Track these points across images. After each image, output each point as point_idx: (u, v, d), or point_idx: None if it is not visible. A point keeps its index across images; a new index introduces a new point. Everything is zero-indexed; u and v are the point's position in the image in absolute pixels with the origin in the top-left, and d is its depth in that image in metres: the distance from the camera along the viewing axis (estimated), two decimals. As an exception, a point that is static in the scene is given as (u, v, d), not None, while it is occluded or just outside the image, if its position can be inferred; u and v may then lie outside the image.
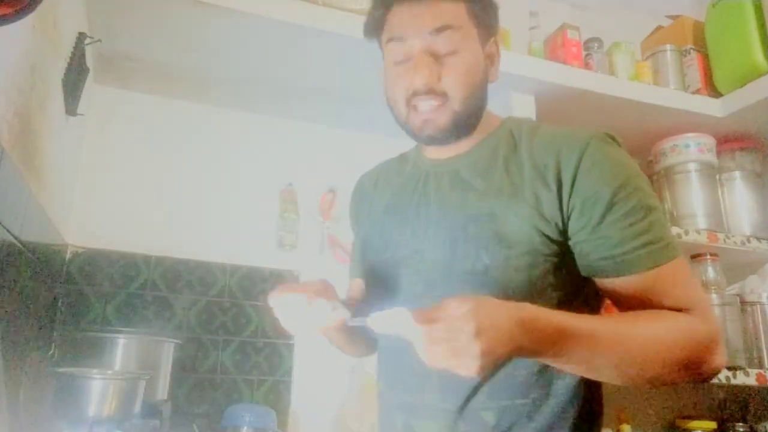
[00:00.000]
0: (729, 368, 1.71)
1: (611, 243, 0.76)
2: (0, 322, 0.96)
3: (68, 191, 1.65)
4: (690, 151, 1.92)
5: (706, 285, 1.86)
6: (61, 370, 1.25)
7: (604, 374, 0.74)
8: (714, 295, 1.82)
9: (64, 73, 1.30)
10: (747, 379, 1.71)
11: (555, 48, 1.90)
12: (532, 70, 1.72)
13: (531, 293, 0.77)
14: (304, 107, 1.95)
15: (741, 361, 1.74)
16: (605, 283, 0.78)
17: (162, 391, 1.52)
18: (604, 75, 1.88)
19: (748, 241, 1.88)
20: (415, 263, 0.86)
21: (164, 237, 1.80)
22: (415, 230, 0.89)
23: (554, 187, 0.79)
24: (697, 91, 1.96)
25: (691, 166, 1.92)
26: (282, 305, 0.79)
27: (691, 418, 1.99)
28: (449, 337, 0.62)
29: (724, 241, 1.84)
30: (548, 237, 0.78)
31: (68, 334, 1.58)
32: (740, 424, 1.96)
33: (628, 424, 1.87)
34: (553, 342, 0.67)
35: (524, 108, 1.76)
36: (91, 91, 1.74)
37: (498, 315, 0.64)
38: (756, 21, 1.83)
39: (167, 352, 1.56)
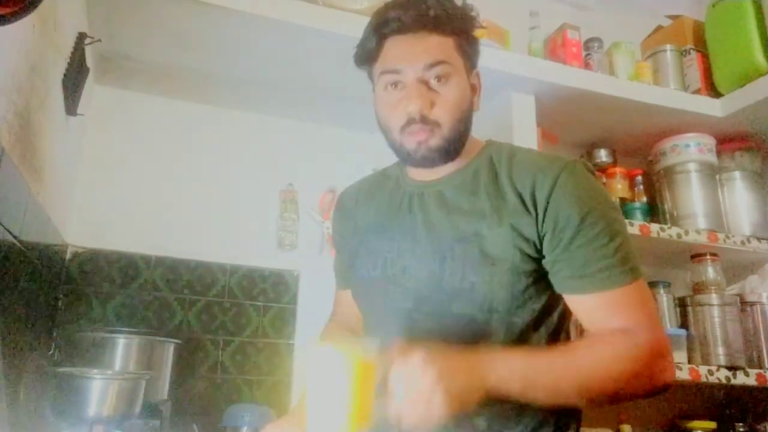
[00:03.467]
0: (729, 368, 1.71)
1: (578, 264, 0.84)
2: (0, 322, 0.96)
3: (68, 191, 1.65)
4: (690, 151, 1.92)
5: (706, 285, 1.86)
6: (61, 370, 1.25)
7: (570, 398, 0.82)
8: (714, 295, 1.82)
9: (64, 73, 1.30)
10: (747, 379, 1.71)
11: (555, 48, 1.90)
12: (532, 70, 1.72)
13: (513, 306, 0.86)
14: (304, 107, 1.95)
15: (741, 361, 1.74)
16: (571, 299, 0.88)
17: (162, 391, 1.52)
18: (604, 75, 1.88)
19: (748, 241, 1.88)
20: (404, 281, 0.92)
21: (164, 237, 1.80)
22: (403, 249, 0.94)
23: (532, 211, 0.87)
24: (697, 91, 1.96)
25: (691, 166, 1.92)
26: None
27: (691, 418, 1.99)
28: (414, 401, 0.69)
29: (724, 241, 1.84)
30: (528, 255, 0.87)
31: (68, 334, 1.58)
32: (740, 424, 1.96)
33: (628, 424, 1.87)
34: (506, 370, 0.76)
35: (524, 108, 1.76)
36: (91, 91, 1.74)
37: (453, 363, 0.73)
38: (756, 21, 1.83)
39: (167, 352, 1.55)
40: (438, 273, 0.89)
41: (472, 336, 0.86)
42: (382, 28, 0.91)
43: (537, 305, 0.88)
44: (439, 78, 0.89)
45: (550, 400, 0.81)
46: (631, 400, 0.88)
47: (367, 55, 0.95)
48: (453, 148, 0.92)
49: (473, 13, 0.96)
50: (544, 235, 0.86)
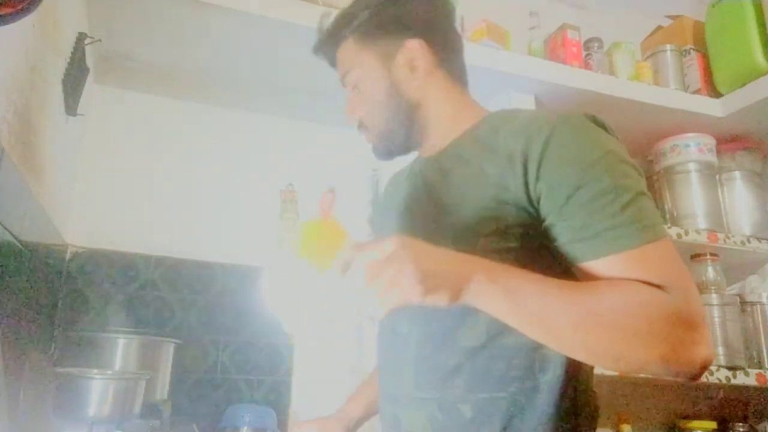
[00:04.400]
0: (729, 368, 1.71)
1: (577, 226, 0.72)
2: (0, 322, 0.96)
3: (68, 191, 1.65)
4: (690, 151, 1.92)
5: (706, 285, 1.86)
6: (61, 370, 1.25)
7: (565, 340, 0.69)
8: (714, 295, 1.82)
9: (64, 73, 1.30)
10: (747, 379, 1.71)
11: (555, 48, 1.90)
12: (532, 70, 1.72)
13: None
14: (304, 107, 1.95)
15: (741, 361, 1.74)
16: (580, 270, 0.74)
17: (162, 391, 1.52)
18: (604, 75, 1.88)
19: (748, 241, 1.88)
20: None
21: (164, 237, 1.80)
22: (404, 224, 0.92)
23: (522, 173, 0.76)
24: (697, 91, 1.96)
25: (691, 166, 1.92)
26: None
27: (691, 418, 1.99)
28: (385, 268, 0.64)
29: (724, 241, 1.84)
30: (518, 222, 0.77)
31: (68, 334, 1.58)
32: (740, 424, 1.96)
33: (628, 424, 1.87)
34: (498, 273, 0.68)
35: (524, 108, 1.76)
36: (91, 91, 1.74)
37: (435, 248, 0.69)
38: (756, 21, 1.83)
39: (167, 352, 1.56)
40: (428, 241, 0.86)
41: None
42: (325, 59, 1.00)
43: None
44: (353, 86, 0.93)
45: (539, 334, 0.70)
46: (648, 373, 0.69)
47: None
48: (397, 137, 0.92)
49: None
50: (539, 198, 0.75)
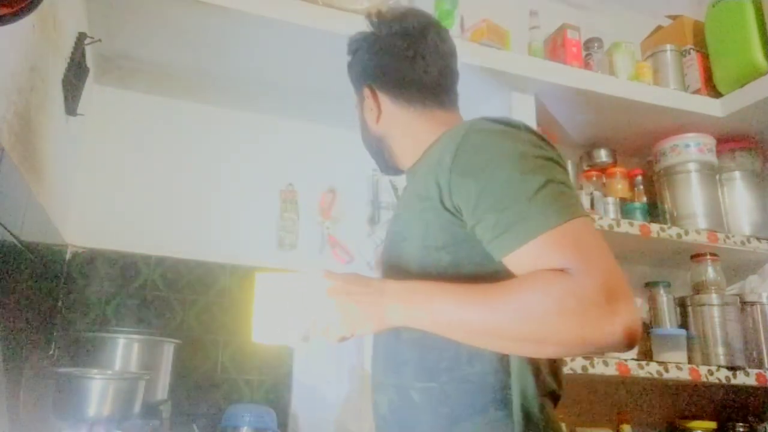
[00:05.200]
0: (729, 368, 1.71)
1: (489, 225, 0.77)
2: (0, 322, 0.96)
3: (68, 191, 1.65)
4: (690, 151, 1.92)
5: (706, 285, 1.86)
6: (61, 370, 1.25)
7: (487, 338, 0.76)
8: (714, 295, 1.82)
9: (64, 73, 1.30)
10: (747, 379, 1.71)
11: (555, 48, 1.90)
12: (532, 70, 1.72)
13: (428, 280, 0.84)
14: (304, 107, 1.95)
15: (741, 361, 1.74)
16: (508, 265, 0.78)
17: (162, 391, 1.52)
18: (604, 75, 1.88)
19: (748, 241, 1.88)
20: (382, 266, 1.01)
21: (164, 237, 1.80)
22: (386, 239, 1.04)
23: (437, 183, 0.84)
24: (697, 91, 1.96)
25: (691, 166, 1.92)
26: None
27: (691, 418, 1.99)
28: (318, 317, 0.82)
29: (724, 241, 1.84)
30: (438, 229, 0.85)
31: (68, 334, 1.58)
32: (740, 424, 1.96)
33: (628, 424, 1.87)
34: (411, 295, 0.79)
35: (524, 108, 1.76)
36: (91, 91, 1.74)
37: (351, 281, 0.82)
38: (756, 21, 1.84)
39: (167, 352, 1.55)
40: (385, 253, 0.99)
41: None
42: None
43: (455, 281, 0.82)
44: None
45: (465, 338, 0.77)
46: (576, 354, 0.80)
47: None
48: (381, 164, 1.09)
49: (352, 42, 1.08)
50: (459, 207, 0.81)
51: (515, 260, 0.75)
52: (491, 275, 0.79)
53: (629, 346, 0.70)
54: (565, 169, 0.82)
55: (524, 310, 0.72)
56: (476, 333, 0.76)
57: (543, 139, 0.85)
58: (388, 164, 1.07)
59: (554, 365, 0.90)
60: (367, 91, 1.04)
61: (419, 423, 0.86)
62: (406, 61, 1.03)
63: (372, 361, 1.00)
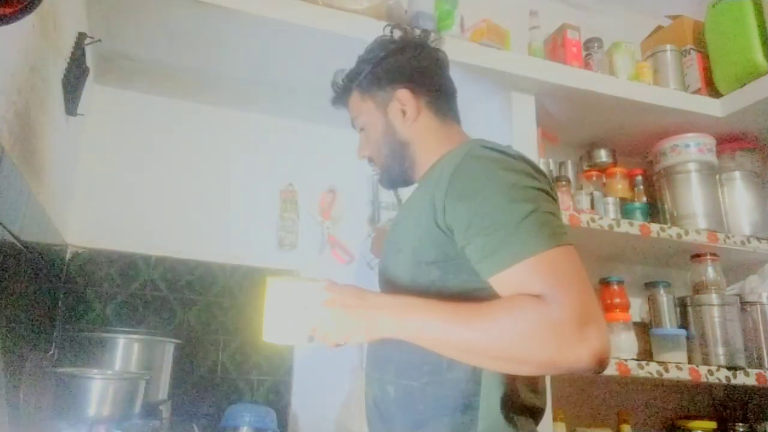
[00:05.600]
0: (729, 368, 1.71)
1: (478, 248, 0.84)
2: (0, 322, 0.96)
3: (68, 191, 1.65)
4: (690, 151, 1.92)
5: (706, 285, 1.86)
6: (61, 370, 1.25)
7: (468, 355, 0.82)
8: (714, 295, 1.82)
9: (64, 73, 1.30)
10: (747, 379, 1.71)
11: (555, 48, 1.90)
12: (532, 70, 1.72)
13: (416, 292, 0.90)
14: (304, 107, 1.95)
15: (741, 361, 1.74)
16: (493, 285, 0.84)
17: (162, 391, 1.52)
18: (604, 75, 1.88)
19: (748, 241, 1.88)
20: (378, 272, 1.08)
21: (164, 237, 1.80)
22: (386, 246, 1.08)
23: (431, 202, 0.90)
24: (697, 91, 1.96)
25: (691, 166, 1.92)
26: None
27: (691, 418, 1.99)
28: (317, 324, 0.89)
29: (724, 241, 1.84)
30: (430, 245, 0.91)
31: (68, 334, 1.58)
32: (740, 424, 1.96)
33: (628, 424, 1.88)
34: (401, 310, 0.85)
35: (524, 108, 1.76)
36: (91, 91, 1.74)
37: (348, 293, 0.89)
38: (756, 21, 1.84)
39: (167, 352, 1.55)
40: (382, 264, 1.05)
41: None
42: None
43: (443, 295, 0.88)
44: (360, 129, 1.13)
45: (449, 353, 0.84)
46: (549, 373, 0.87)
47: None
48: (395, 173, 1.09)
49: (376, 46, 1.10)
50: (452, 228, 0.87)
51: (500, 281, 0.82)
52: (476, 291, 0.87)
53: (599, 370, 0.75)
54: (555, 199, 0.89)
55: (501, 331, 0.78)
56: (458, 349, 0.82)
57: (538, 171, 0.91)
58: (403, 174, 1.08)
59: (534, 381, 0.94)
60: (404, 93, 1.05)
61: (395, 416, 0.94)
62: (440, 69, 1.10)
63: (366, 355, 1.08)
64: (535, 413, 0.92)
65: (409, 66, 1.07)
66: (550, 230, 0.81)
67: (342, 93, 1.15)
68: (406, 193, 1.17)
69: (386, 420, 0.96)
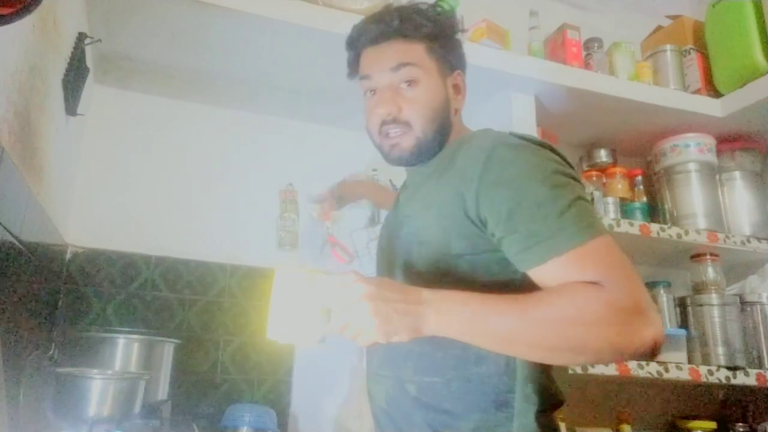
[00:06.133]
0: (729, 368, 1.71)
1: (523, 236, 0.80)
2: (0, 322, 0.96)
3: (68, 191, 1.65)
4: (690, 151, 1.92)
5: (706, 285, 1.86)
6: (61, 370, 1.25)
7: (521, 348, 0.78)
8: (714, 295, 1.82)
9: (64, 73, 1.30)
10: (747, 379, 1.71)
11: (555, 48, 1.90)
12: (532, 70, 1.72)
13: (442, 287, 0.82)
14: (304, 107, 1.95)
15: (741, 361, 1.74)
16: (531, 276, 0.82)
17: (162, 391, 1.52)
18: (604, 75, 1.88)
19: (748, 241, 1.88)
20: (379, 263, 1.05)
21: (164, 237, 1.80)
22: (383, 235, 1.06)
23: (461, 193, 0.86)
24: (697, 91, 1.96)
25: (691, 166, 1.92)
26: None
27: (691, 418, 1.99)
28: (352, 320, 0.76)
29: (724, 241, 1.84)
30: (457, 237, 0.87)
31: (68, 334, 1.58)
32: (740, 424, 1.96)
33: (628, 424, 1.88)
34: (449, 304, 0.77)
35: (524, 108, 1.76)
36: (91, 91, 1.74)
37: (388, 287, 0.78)
38: (756, 21, 1.83)
39: (167, 352, 1.55)
40: (391, 253, 0.99)
41: None
42: (355, 42, 1.02)
43: (473, 289, 0.83)
44: (408, 82, 0.96)
45: (498, 347, 0.79)
46: (604, 361, 0.85)
47: (351, 65, 1.04)
48: (427, 147, 0.97)
49: (451, 19, 1.02)
50: (485, 218, 0.84)
51: (542, 272, 0.80)
52: (505, 284, 0.84)
53: (655, 355, 0.75)
54: (584, 187, 0.88)
55: (562, 320, 0.75)
56: (510, 342, 0.77)
57: (564, 159, 0.89)
58: (432, 150, 0.99)
59: (552, 375, 0.92)
60: (461, 76, 1.03)
61: (415, 416, 0.89)
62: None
63: (368, 353, 1.03)
64: (557, 408, 0.91)
65: (463, 53, 1.05)
66: (592, 219, 0.81)
67: (404, 30, 0.97)
68: (400, 182, 1.15)
69: (401, 421, 0.91)
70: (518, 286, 0.83)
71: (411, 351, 0.90)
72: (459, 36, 1.04)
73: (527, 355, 0.81)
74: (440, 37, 0.99)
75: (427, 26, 0.97)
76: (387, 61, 0.97)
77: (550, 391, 0.88)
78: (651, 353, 0.74)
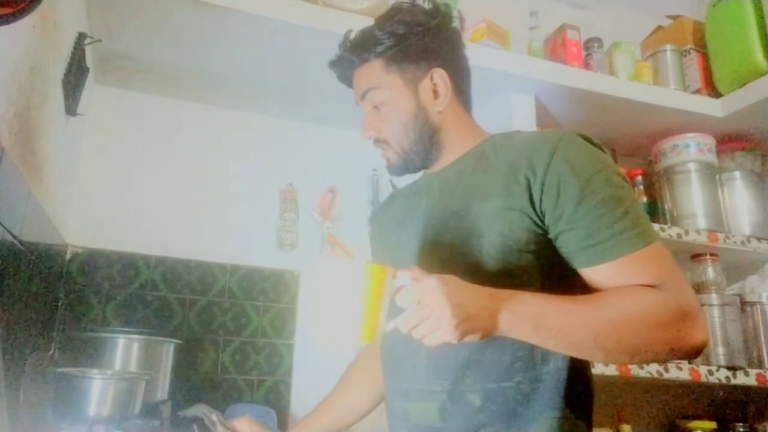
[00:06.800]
0: (729, 368, 1.71)
1: (583, 234, 0.82)
2: (0, 322, 0.96)
3: (68, 191, 1.65)
4: (690, 151, 1.92)
5: (706, 285, 1.86)
6: (61, 370, 1.25)
7: (586, 349, 0.79)
8: (714, 295, 1.82)
9: (64, 73, 1.30)
10: (747, 379, 1.71)
11: (555, 48, 1.90)
12: (532, 70, 1.72)
13: (505, 281, 0.82)
14: (304, 107, 1.95)
15: (741, 361, 1.74)
16: (586, 273, 0.84)
17: (162, 391, 1.52)
18: (604, 75, 1.88)
19: (748, 241, 1.88)
20: (408, 263, 0.94)
21: (164, 237, 1.80)
22: (410, 233, 0.99)
23: (525, 184, 0.85)
24: (696, 91, 1.96)
25: (691, 166, 1.92)
26: None
27: (691, 418, 1.99)
28: (425, 316, 0.72)
29: (724, 241, 1.84)
30: (522, 230, 0.85)
31: (68, 334, 1.58)
32: (740, 424, 1.96)
33: (628, 424, 1.87)
34: (520, 303, 0.76)
35: (524, 108, 1.76)
36: (91, 91, 1.74)
37: (462, 286, 0.75)
38: (756, 21, 1.83)
39: (167, 352, 1.55)
40: (432, 248, 0.93)
41: None
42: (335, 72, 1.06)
43: (536, 284, 0.84)
44: (375, 106, 0.98)
45: (564, 348, 0.79)
46: (656, 361, 0.87)
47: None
48: (413, 158, 0.99)
49: (418, 17, 0.97)
50: (545, 209, 0.84)
51: (599, 272, 0.82)
52: (563, 279, 0.85)
53: (699, 355, 0.81)
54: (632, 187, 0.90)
55: (629, 322, 0.77)
56: (578, 343, 0.78)
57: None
58: (425, 161, 0.99)
59: None
60: (440, 74, 0.97)
61: (486, 426, 0.85)
62: (466, 59, 1.04)
63: (397, 368, 0.97)
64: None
65: (445, 45, 0.99)
66: (648, 224, 0.83)
67: (353, 58, 1.00)
68: (400, 182, 1.13)
69: None
70: (573, 282, 0.84)
71: (468, 359, 0.86)
72: (436, 27, 0.98)
73: (590, 355, 0.83)
74: (399, 45, 0.96)
75: (383, 41, 0.96)
76: (357, 89, 1.01)
77: (590, 384, 0.91)
78: (698, 354, 0.80)
